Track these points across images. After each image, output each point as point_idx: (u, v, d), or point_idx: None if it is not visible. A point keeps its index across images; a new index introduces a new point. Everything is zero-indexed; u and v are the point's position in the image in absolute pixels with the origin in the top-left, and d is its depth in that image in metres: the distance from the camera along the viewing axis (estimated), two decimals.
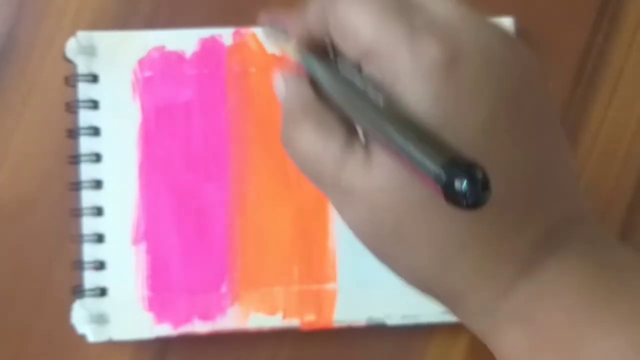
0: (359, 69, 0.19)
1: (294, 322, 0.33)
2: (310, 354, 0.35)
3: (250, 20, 0.35)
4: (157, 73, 0.34)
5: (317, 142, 0.20)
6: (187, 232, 0.33)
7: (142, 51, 0.34)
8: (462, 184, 0.14)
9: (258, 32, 0.34)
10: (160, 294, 0.33)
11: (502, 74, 0.18)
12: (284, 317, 0.33)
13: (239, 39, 0.34)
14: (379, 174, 0.18)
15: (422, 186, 0.17)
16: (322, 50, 0.22)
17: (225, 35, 0.34)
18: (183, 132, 0.34)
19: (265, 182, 0.34)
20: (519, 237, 0.18)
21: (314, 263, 0.33)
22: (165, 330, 0.33)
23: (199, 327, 0.33)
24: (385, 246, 0.20)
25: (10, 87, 0.35)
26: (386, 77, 0.18)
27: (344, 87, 0.20)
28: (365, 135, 0.20)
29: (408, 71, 0.18)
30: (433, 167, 0.14)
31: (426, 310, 0.33)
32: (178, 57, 0.34)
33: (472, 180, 0.13)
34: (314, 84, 0.21)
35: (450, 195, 0.14)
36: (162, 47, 0.34)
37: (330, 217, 0.33)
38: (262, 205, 0.33)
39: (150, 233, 0.33)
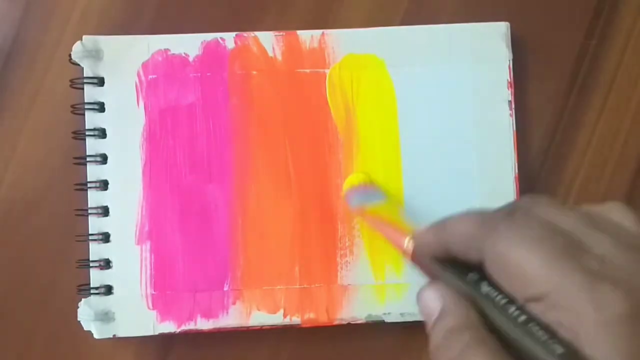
0: (521, 305, 0.18)
1: (294, 320, 0.34)
2: (310, 350, 0.35)
3: (252, 25, 0.36)
4: (161, 76, 0.34)
5: None
6: (190, 231, 0.34)
7: (146, 55, 0.34)
8: None
9: (260, 36, 0.35)
10: (164, 292, 0.33)
11: None
12: (285, 315, 0.34)
13: (241, 42, 0.35)
14: None
15: None
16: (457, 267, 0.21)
17: (228, 39, 0.35)
18: (186, 133, 0.34)
19: (267, 183, 0.34)
20: None
21: (314, 262, 0.34)
22: (169, 327, 0.33)
23: (202, 324, 0.33)
24: None
25: (17, 89, 0.36)
26: (564, 323, 0.17)
27: (511, 323, 0.18)
28: None
29: (591, 323, 0.17)
30: None
31: None
32: (181, 60, 0.34)
33: None
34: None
35: None
36: (166, 51, 0.34)
37: (334, 217, 0.34)
38: (264, 205, 0.34)
39: (154, 233, 0.34)
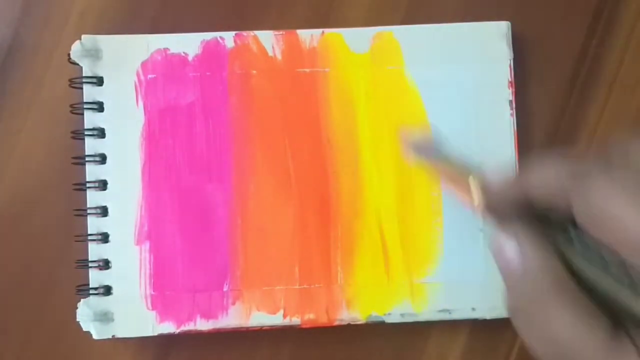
0: (615, 257, 0.18)
1: (294, 320, 0.33)
2: (310, 351, 0.35)
3: (251, 24, 0.36)
4: (160, 75, 0.34)
5: (577, 327, 0.17)
6: (190, 232, 0.34)
7: (145, 54, 0.34)
8: None
9: (260, 35, 0.34)
10: (163, 293, 0.33)
11: None
12: (285, 315, 0.33)
13: (241, 42, 0.35)
14: None
15: None
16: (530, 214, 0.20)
17: (227, 38, 0.34)
18: (186, 133, 0.34)
19: (267, 183, 0.34)
20: None
21: (314, 263, 0.34)
22: (168, 328, 0.33)
23: (201, 325, 0.33)
24: None
25: (16, 89, 0.36)
26: None
27: (602, 270, 0.18)
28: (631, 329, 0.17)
29: None
30: None
31: (424, 309, 0.34)
32: (181, 59, 0.34)
33: None
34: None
35: None
36: (165, 50, 0.34)
37: (334, 217, 0.34)
38: (264, 205, 0.34)
39: (153, 233, 0.34)
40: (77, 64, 0.34)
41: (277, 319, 0.33)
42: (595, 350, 0.17)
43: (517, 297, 0.19)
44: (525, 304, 0.18)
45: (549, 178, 0.19)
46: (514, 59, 0.35)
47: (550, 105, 0.36)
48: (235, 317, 0.33)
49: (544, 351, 0.18)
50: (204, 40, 0.34)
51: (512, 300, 0.19)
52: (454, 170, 0.25)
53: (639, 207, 0.17)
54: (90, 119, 0.34)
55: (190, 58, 0.34)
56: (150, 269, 0.33)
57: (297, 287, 0.34)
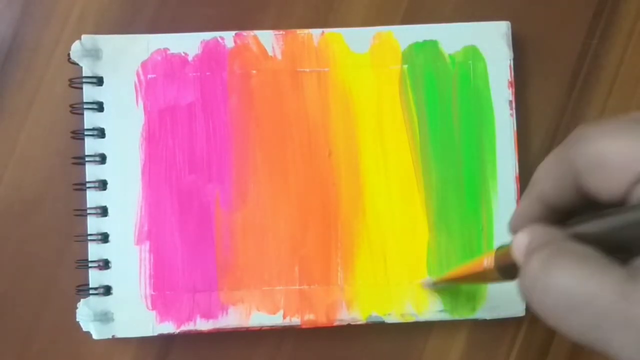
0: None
1: (294, 320, 0.33)
2: (310, 351, 0.35)
3: (251, 24, 0.36)
4: (160, 75, 0.34)
5: (588, 279, 0.18)
6: (190, 231, 0.34)
7: (145, 54, 0.34)
8: None
9: (260, 35, 0.34)
10: (163, 293, 0.33)
11: None
12: (285, 316, 0.33)
13: (241, 41, 0.35)
14: None
15: None
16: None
17: (227, 38, 0.34)
18: (186, 133, 0.34)
19: (267, 183, 0.34)
20: None
21: (314, 263, 0.34)
22: (168, 328, 0.33)
23: (201, 325, 0.33)
24: None
25: (15, 89, 0.36)
26: None
27: (614, 222, 0.18)
28: None
29: None
30: None
31: (424, 308, 0.34)
32: (181, 59, 0.34)
33: None
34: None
35: None
36: (165, 50, 0.34)
37: (334, 218, 0.34)
38: (264, 205, 0.34)
39: (153, 233, 0.34)
40: (77, 64, 0.34)
41: (277, 319, 0.33)
42: (613, 292, 0.17)
43: (528, 272, 0.19)
44: (535, 274, 0.19)
45: (550, 166, 0.21)
46: (514, 59, 0.35)
47: (550, 105, 0.36)
48: (235, 317, 0.33)
49: (565, 314, 0.18)
50: (203, 40, 0.34)
51: (526, 277, 0.19)
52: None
53: (632, 135, 0.18)
54: (90, 119, 0.34)
55: (190, 58, 0.34)
56: (150, 269, 0.33)
57: (297, 287, 0.34)
